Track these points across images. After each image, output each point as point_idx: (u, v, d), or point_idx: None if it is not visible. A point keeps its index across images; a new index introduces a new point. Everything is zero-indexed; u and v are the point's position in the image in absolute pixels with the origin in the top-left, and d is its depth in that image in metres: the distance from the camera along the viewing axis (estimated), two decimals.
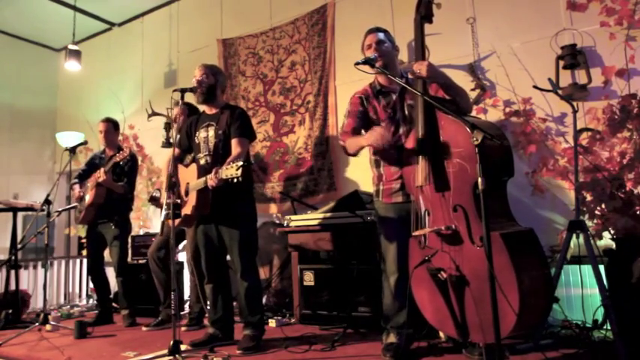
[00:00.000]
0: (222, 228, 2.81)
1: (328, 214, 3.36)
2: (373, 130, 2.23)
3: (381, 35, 2.48)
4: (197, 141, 2.94)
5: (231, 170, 2.38)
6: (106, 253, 3.92)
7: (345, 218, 3.23)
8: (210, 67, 2.96)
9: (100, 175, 3.53)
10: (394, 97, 2.47)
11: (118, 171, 3.74)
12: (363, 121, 2.48)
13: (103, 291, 3.93)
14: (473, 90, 3.39)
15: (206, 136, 2.90)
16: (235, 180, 2.36)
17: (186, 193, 2.80)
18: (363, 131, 2.49)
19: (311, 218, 3.44)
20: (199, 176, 2.69)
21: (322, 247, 3.40)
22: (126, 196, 3.85)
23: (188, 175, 2.82)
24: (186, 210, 2.75)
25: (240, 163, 2.36)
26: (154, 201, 3.63)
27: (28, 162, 6.17)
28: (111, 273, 3.93)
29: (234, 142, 2.79)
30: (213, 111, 2.94)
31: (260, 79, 4.66)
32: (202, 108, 3.02)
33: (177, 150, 3.01)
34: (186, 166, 2.94)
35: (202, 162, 2.88)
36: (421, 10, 2.32)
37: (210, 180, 2.52)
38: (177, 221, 2.77)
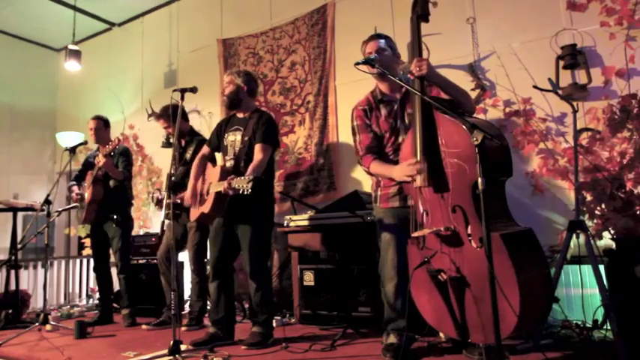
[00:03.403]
0: (237, 228, 2.84)
1: (328, 214, 3.35)
2: (402, 166, 2.21)
3: (382, 43, 2.47)
4: (225, 143, 2.98)
5: (242, 182, 2.40)
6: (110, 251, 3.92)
7: (345, 218, 3.23)
8: (233, 73, 2.98)
9: (100, 159, 3.54)
10: (395, 106, 2.46)
11: (114, 162, 3.75)
12: (372, 133, 2.47)
13: (106, 290, 3.94)
14: (473, 90, 3.39)
15: (234, 140, 2.93)
16: (246, 192, 2.39)
17: (207, 192, 2.83)
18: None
19: (311, 218, 3.44)
20: (221, 178, 2.72)
21: (322, 247, 3.39)
22: (124, 185, 3.84)
23: (212, 175, 2.85)
24: (204, 208, 2.78)
25: (252, 177, 2.40)
26: (160, 202, 3.63)
27: (28, 162, 6.18)
28: (112, 272, 3.94)
29: (256, 147, 2.81)
30: (243, 115, 2.98)
31: (260, 79, 4.66)
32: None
33: (207, 149, 3.06)
34: (214, 166, 2.97)
35: (228, 164, 2.92)
36: (417, 9, 2.30)
37: (223, 187, 2.55)
38: (195, 216, 2.84)
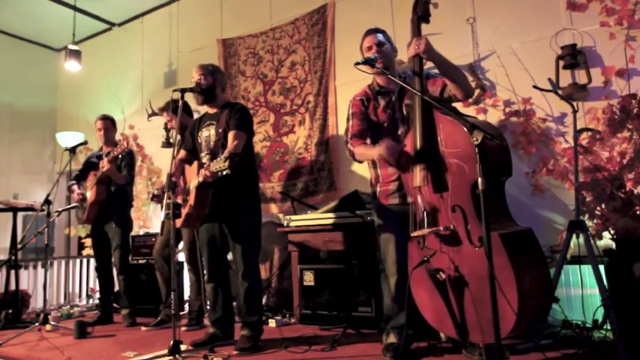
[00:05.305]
0: (225, 227, 2.80)
1: (328, 214, 3.36)
2: (382, 143, 2.23)
3: (381, 37, 2.47)
4: (199, 141, 2.94)
5: (219, 163, 2.34)
6: None
7: (345, 218, 3.23)
8: (207, 66, 2.94)
9: (104, 164, 3.56)
10: (393, 97, 2.47)
11: (117, 165, 3.76)
12: (367, 122, 2.48)
13: (107, 290, 3.94)
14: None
15: (207, 135, 2.89)
16: (225, 173, 2.32)
17: (189, 192, 2.80)
18: (368, 139, 2.48)
19: (311, 218, 3.44)
20: (199, 172, 2.69)
21: (322, 247, 3.40)
22: (125, 189, 3.85)
23: (191, 174, 2.82)
24: (187, 209, 2.74)
25: (228, 155, 2.33)
26: (156, 197, 3.63)
27: (28, 162, 6.17)
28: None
29: (230, 135, 2.74)
30: (215, 110, 2.94)
31: (260, 79, 4.66)
32: (205, 108, 3.01)
33: (183, 152, 3.02)
34: (191, 165, 2.94)
35: (204, 161, 2.87)
36: (418, 10, 2.30)
37: (201, 175, 2.52)
38: (181, 222, 2.78)
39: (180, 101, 2.72)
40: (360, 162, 2.53)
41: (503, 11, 3.42)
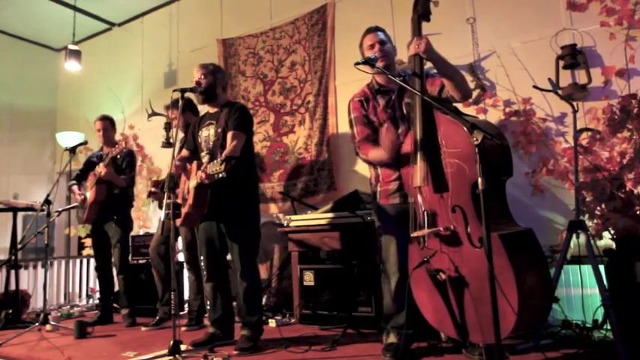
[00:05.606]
0: (223, 226, 2.80)
1: (328, 214, 3.36)
2: (382, 139, 2.26)
3: (382, 35, 2.46)
4: (199, 140, 2.94)
5: (215, 166, 2.35)
6: None
7: (345, 218, 3.23)
8: (208, 66, 2.94)
9: (101, 169, 3.55)
10: (393, 96, 2.46)
11: (117, 165, 3.75)
12: (370, 125, 2.47)
13: (107, 290, 3.94)
14: (473, 90, 3.38)
15: (207, 134, 2.89)
16: (220, 176, 2.33)
17: (189, 192, 2.80)
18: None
19: (311, 218, 3.44)
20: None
21: (322, 247, 3.40)
22: (126, 190, 3.85)
23: (191, 174, 2.82)
24: (186, 208, 2.74)
25: (224, 158, 2.34)
26: (154, 194, 3.63)
27: (28, 162, 6.18)
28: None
29: (229, 135, 2.73)
30: (215, 109, 2.94)
31: (260, 79, 4.66)
32: (207, 107, 3.01)
33: (185, 151, 3.02)
34: (191, 164, 2.94)
35: (204, 161, 2.87)
36: (419, 9, 2.29)
37: (198, 177, 2.53)
38: (180, 221, 2.78)
39: (180, 101, 2.72)
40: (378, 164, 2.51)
41: (503, 11, 3.42)
